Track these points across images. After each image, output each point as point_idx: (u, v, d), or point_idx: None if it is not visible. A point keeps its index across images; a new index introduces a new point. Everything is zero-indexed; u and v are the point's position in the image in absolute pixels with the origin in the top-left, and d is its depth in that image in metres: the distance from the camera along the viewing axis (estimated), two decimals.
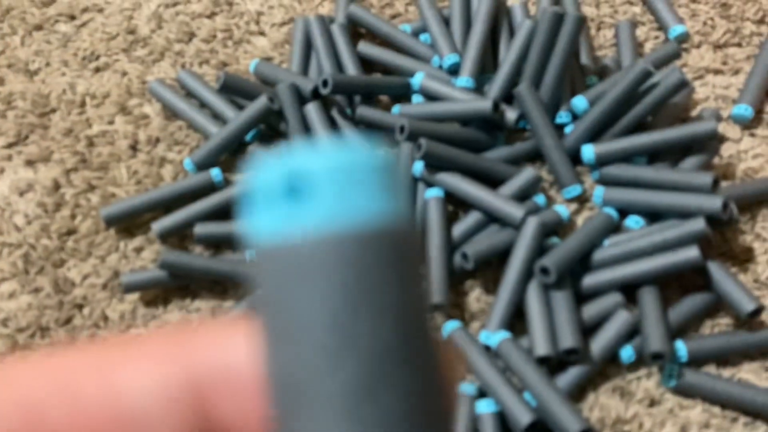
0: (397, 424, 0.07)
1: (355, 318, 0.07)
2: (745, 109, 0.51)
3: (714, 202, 0.44)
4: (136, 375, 0.09)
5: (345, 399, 0.07)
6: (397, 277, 0.07)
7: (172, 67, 0.56)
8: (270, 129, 0.52)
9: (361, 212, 0.07)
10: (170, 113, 0.54)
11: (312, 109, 0.49)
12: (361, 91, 0.51)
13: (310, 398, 0.07)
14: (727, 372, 0.44)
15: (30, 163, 0.52)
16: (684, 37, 0.55)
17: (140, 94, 0.55)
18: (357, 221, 0.07)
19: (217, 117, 0.53)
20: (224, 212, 0.49)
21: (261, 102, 0.49)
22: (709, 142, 0.48)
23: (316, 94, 0.50)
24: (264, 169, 0.07)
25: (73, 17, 0.59)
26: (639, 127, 0.49)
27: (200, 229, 0.47)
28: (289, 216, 0.07)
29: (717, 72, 0.54)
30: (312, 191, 0.07)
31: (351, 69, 0.53)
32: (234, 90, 0.51)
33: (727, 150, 0.51)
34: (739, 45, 0.55)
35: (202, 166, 0.50)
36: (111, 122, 0.54)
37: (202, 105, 0.53)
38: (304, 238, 0.07)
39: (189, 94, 0.54)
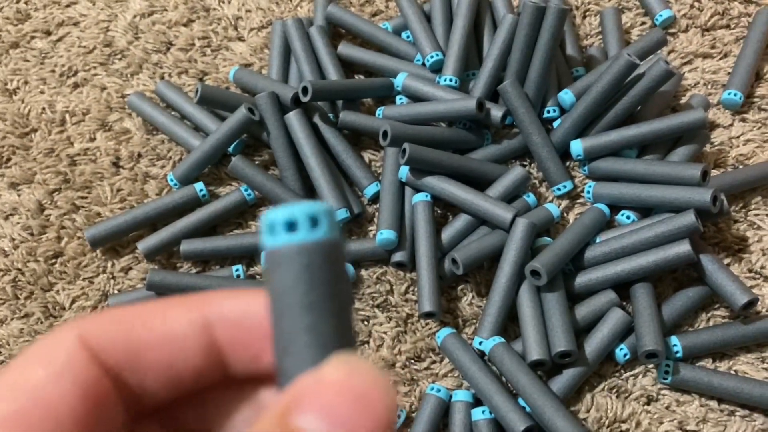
0: (332, 331, 0.14)
1: (312, 286, 0.14)
2: (734, 95, 0.50)
3: (703, 196, 0.43)
4: (178, 315, 0.16)
5: (306, 323, 0.14)
6: (333, 265, 0.14)
7: (151, 78, 0.56)
8: (252, 138, 0.52)
9: (317, 235, 0.14)
10: (151, 127, 0.53)
11: (293, 118, 0.48)
12: (342, 96, 0.50)
13: (290, 326, 0.14)
14: (723, 365, 0.43)
15: (13, 185, 0.52)
16: (671, 22, 0.54)
17: (120, 108, 0.54)
18: (314, 239, 0.14)
19: (198, 129, 0.52)
20: (210, 227, 0.49)
21: (241, 113, 0.48)
22: (699, 131, 0.47)
23: (297, 102, 0.49)
24: (270, 215, 0.14)
25: (48, 33, 0.58)
26: (627, 118, 0.48)
27: (186, 245, 0.47)
28: (284, 237, 0.14)
29: (705, 56, 0.53)
30: (295, 226, 0.14)
31: (332, 72, 0.52)
32: (212, 102, 0.50)
33: (718, 137, 0.50)
34: (727, 27, 0.54)
35: (185, 180, 0.49)
36: (92, 139, 0.53)
37: (183, 117, 0.53)
38: (290, 247, 0.14)
39: (168, 106, 0.54)
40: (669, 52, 0.53)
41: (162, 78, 0.55)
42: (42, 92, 0.56)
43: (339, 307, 0.14)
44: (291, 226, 0.14)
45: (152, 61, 0.56)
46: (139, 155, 0.53)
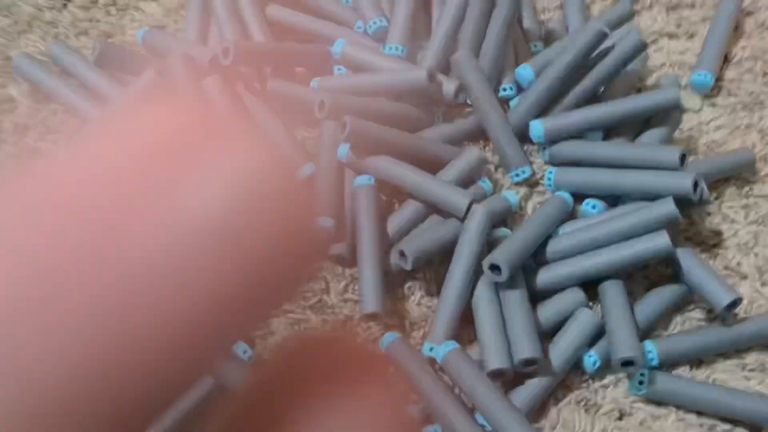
0: None
1: None
2: (704, 76, 0.46)
3: (683, 180, 0.38)
4: None
5: None
6: None
7: (42, 39, 0.47)
8: None
9: None
10: (41, 95, 0.45)
11: (211, 84, 0.41)
12: (271, 62, 0.43)
13: None
14: (700, 373, 0.39)
15: None
16: None
17: (3, 72, 0.46)
18: None
19: (99, 97, 0.44)
20: None
21: (148, 76, 0.40)
22: (670, 113, 0.43)
23: (216, 66, 0.42)
24: None
25: None
26: (591, 99, 0.43)
27: None
28: None
29: (671, 36, 0.49)
30: None
31: (258, 36, 0.45)
32: (115, 63, 0.42)
33: (687, 122, 0.46)
34: (692, 6, 0.50)
35: None
36: None
37: (81, 84, 0.44)
38: None
39: (63, 71, 0.45)
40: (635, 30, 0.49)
41: (56, 39, 0.47)
42: None
43: None
44: None
45: (45, 19, 0.48)
46: (26, 127, 0.44)
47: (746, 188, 0.44)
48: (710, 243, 0.42)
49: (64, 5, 0.48)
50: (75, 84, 0.44)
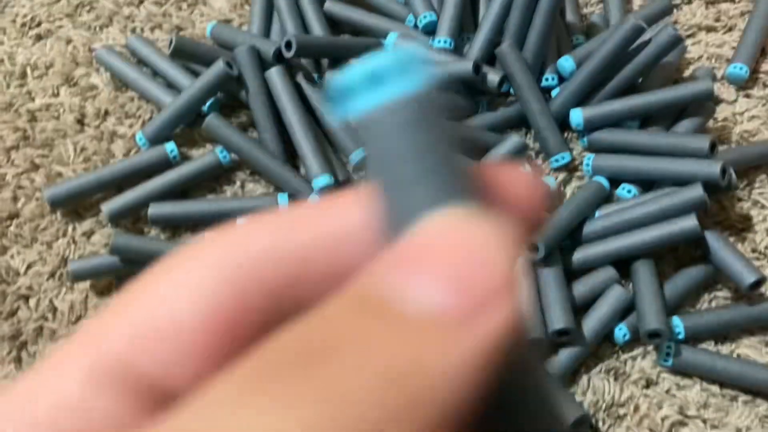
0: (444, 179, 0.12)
1: (414, 141, 0.12)
2: (740, 68, 0.48)
3: (712, 168, 0.40)
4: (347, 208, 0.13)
5: (417, 180, 0.12)
6: (436, 117, 0.12)
7: (121, 32, 0.51)
8: (229, 97, 0.48)
9: (407, 87, 0.12)
10: (120, 83, 0.49)
11: (274, 75, 0.45)
12: (328, 54, 0.47)
13: (401, 186, 0.12)
14: (725, 348, 0.41)
15: None
16: None
17: (87, 63, 0.50)
18: (406, 93, 0.12)
19: (172, 86, 0.48)
20: (181, 190, 0.45)
21: (218, 68, 0.44)
22: (704, 104, 0.45)
23: (279, 58, 0.46)
24: (349, 72, 0.12)
25: None
26: (629, 89, 0.46)
27: (154, 209, 0.43)
28: (371, 97, 0.12)
29: (710, 29, 0.51)
30: (382, 80, 0.12)
31: (317, 30, 0.48)
32: (188, 55, 0.46)
33: (721, 112, 0.48)
34: (732, 0, 0.52)
35: (156, 140, 0.46)
36: (55, 94, 0.49)
37: (155, 73, 0.49)
38: (382, 107, 0.12)
39: (140, 62, 0.50)
40: (672, 24, 0.51)
41: (133, 32, 0.51)
42: (1, 43, 0.51)
43: (455, 166, 0.12)
44: (377, 80, 0.12)
45: (123, 14, 0.52)
46: (106, 112, 0.49)
47: None
48: (739, 227, 0.44)
49: (141, 1, 0.53)
50: (149, 73, 0.49)
